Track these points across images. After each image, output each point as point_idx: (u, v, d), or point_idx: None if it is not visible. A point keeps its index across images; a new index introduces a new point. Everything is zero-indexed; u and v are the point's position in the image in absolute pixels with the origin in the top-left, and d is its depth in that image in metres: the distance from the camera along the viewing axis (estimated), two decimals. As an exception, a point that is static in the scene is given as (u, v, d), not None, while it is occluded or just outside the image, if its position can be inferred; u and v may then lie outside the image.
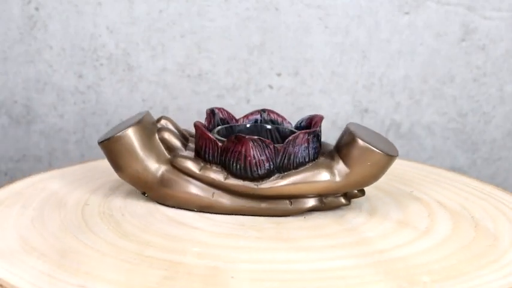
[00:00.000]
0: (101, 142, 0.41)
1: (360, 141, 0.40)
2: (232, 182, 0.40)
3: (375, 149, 0.40)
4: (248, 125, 0.45)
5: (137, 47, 0.68)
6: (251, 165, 0.40)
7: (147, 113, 0.43)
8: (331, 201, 0.42)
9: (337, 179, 0.40)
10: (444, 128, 0.71)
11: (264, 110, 0.46)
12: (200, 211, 0.41)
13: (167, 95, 0.70)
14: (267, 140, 0.39)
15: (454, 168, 0.72)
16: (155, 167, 0.41)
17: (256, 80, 0.69)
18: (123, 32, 0.68)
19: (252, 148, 0.39)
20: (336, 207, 0.42)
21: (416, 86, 0.69)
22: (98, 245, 0.36)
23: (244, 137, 0.39)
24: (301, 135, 0.40)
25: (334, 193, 0.41)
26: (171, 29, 0.68)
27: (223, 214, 0.41)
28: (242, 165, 0.40)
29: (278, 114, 0.46)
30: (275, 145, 0.40)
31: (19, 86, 0.70)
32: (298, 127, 0.45)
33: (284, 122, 0.46)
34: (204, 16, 0.68)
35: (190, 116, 0.69)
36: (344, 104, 0.70)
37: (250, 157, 0.39)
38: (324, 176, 0.40)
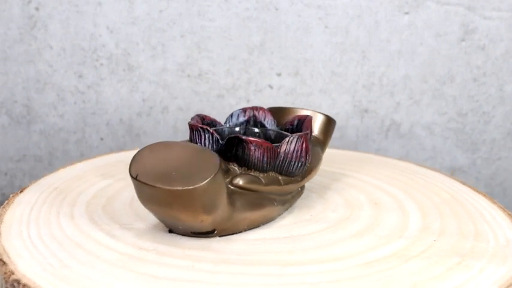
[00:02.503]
0: (192, 188, 0.33)
1: (330, 117, 0.45)
2: (288, 183, 0.39)
3: (332, 119, 0.45)
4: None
5: (137, 47, 0.69)
6: (308, 160, 0.39)
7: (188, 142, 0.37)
8: None
9: (323, 155, 0.44)
10: (444, 128, 0.71)
11: (200, 115, 0.43)
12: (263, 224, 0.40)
13: (167, 95, 0.70)
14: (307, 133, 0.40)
15: (454, 168, 0.72)
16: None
17: (256, 80, 0.69)
18: (123, 32, 0.68)
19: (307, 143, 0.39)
20: None
21: (416, 86, 0.69)
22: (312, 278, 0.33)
23: (303, 134, 0.39)
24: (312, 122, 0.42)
25: None
26: (171, 29, 0.68)
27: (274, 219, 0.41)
28: (303, 161, 0.39)
29: (210, 117, 0.43)
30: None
31: (19, 86, 0.70)
32: (240, 124, 0.44)
33: (217, 123, 0.44)
34: (204, 16, 0.68)
35: (190, 116, 0.69)
36: (344, 104, 0.70)
37: (309, 151, 0.39)
38: (321, 156, 0.44)
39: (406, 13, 0.68)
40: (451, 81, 0.69)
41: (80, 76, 0.69)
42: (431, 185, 0.49)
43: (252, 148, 0.37)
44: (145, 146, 0.36)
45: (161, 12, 0.68)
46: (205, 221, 0.35)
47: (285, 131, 0.43)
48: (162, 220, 0.37)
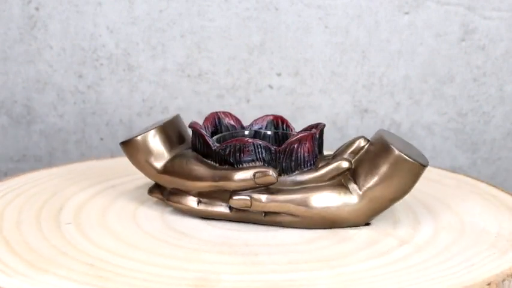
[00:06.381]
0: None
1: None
2: None
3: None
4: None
5: (137, 47, 0.69)
6: None
7: None
8: None
9: None
10: (444, 128, 0.71)
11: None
12: None
13: (167, 95, 0.70)
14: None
15: (454, 168, 0.72)
16: None
17: (256, 80, 0.69)
18: (123, 32, 0.68)
19: None
20: None
21: (416, 86, 0.69)
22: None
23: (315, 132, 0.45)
24: None
25: None
26: (171, 29, 0.68)
27: None
28: None
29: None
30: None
31: (19, 86, 0.70)
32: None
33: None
34: (204, 16, 0.68)
35: (190, 116, 0.69)
36: (344, 104, 0.70)
37: None
38: None
39: (406, 13, 0.68)
40: (451, 81, 0.69)
41: (80, 76, 0.69)
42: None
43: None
44: (384, 137, 0.44)
45: (161, 12, 0.68)
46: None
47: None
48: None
